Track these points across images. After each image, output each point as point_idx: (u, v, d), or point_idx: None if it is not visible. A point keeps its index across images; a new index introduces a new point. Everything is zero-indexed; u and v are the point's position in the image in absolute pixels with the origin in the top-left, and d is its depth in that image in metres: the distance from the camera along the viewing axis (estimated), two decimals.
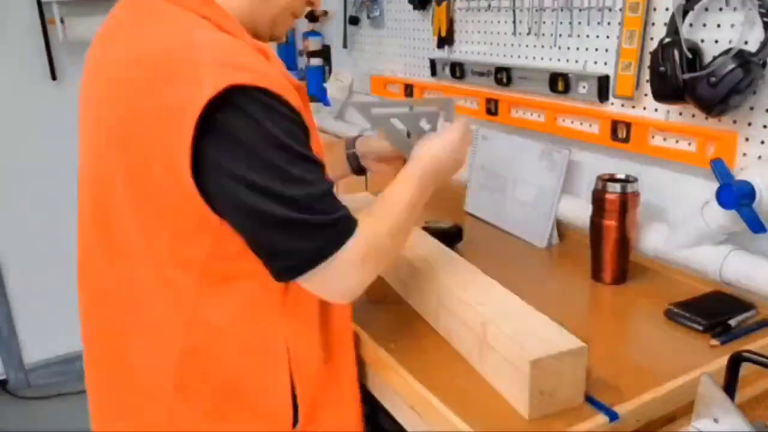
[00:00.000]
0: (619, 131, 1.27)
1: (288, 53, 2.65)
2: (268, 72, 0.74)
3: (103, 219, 0.83)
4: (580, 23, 1.35)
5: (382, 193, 0.89)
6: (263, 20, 0.88)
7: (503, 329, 0.83)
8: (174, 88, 0.71)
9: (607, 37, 1.30)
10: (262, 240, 0.76)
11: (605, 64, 1.32)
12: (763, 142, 1.07)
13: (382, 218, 0.85)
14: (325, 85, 2.34)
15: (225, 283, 0.80)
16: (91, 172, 0.85)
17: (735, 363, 0.74)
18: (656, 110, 1.22)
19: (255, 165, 0.71)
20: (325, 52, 2.42)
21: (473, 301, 0.90)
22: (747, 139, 1.09)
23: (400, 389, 0.91)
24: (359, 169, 1.18)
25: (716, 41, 1.10)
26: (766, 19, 0.99)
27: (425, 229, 1.26)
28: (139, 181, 0.77)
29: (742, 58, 0.99)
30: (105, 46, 0.84)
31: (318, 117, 2.48)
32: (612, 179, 1.16)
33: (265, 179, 0.72)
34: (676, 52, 1.06)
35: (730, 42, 1.07)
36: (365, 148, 1.16)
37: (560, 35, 1.41)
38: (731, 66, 0.99)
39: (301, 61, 2.56)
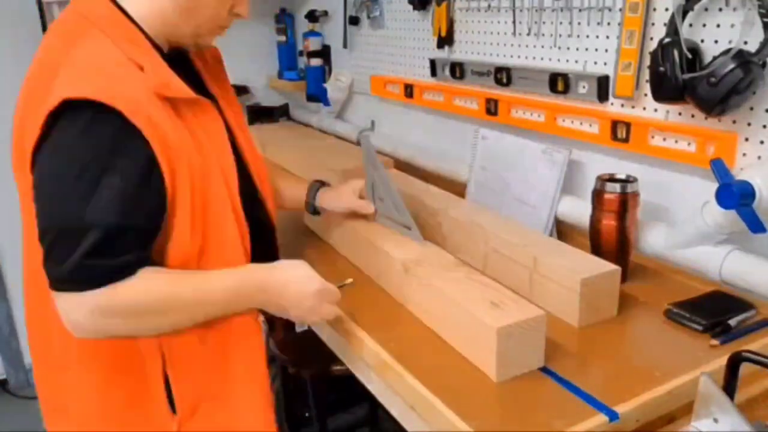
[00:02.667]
0: (619, 131, 1.27)
1: (288, 53, 2.65)
2: (121, 88, 0.79)
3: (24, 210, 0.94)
4: (580, 23, 1.35)
5: (202, 273, 0.90)
6: (185, 32, 0.93)
7: (552, 261, 1.04)
8: (37, 100, 0.81)
9: (607, 37, 1.30)
10: (42, 242, 0.80)
11: (605, 64, 1.32)
12: (762, 142, 1.07)
13: (171, 289, 0.86)
14: (325, 85, 2.35)
15: None
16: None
17: (735, 363, 0.74)
18: (656, 110, 1.22)
19: (54, 170, 0.79)
20: (325, 52, 2.42)
21: (519, 242, 1.12)
22: (747, 139, 1.09)
23: (400, 389, 0.91)
24: (314, 212, 1.30)
25: (716, 41, 1.10)
26: (765, 19, 0.99)
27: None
28: (21, 179, 0.88)
29: (741, 58, 0.99)
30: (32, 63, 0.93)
31: (318, 117, 2.49)
32: (612, 179, 1.16)
33: (51, 189, 0.79)
34: (675, 52, 1.06)
35: (729, 42, 1.07)
36: (326, 203, 1.27)
37: (560, 35, 1.41)
38: (731, 66, 0.99)
39: (301, 61, 2.56)
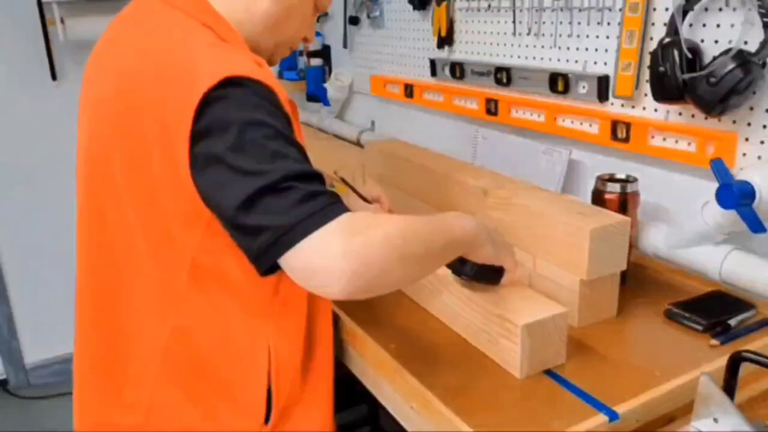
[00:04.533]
0: (619, 131, 1.27)
1: None
2: (262, 71, 0.75)
3: (99, 208, 0.86)
4: (580, 23, 1.35)
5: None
6: (266, 46, 0.91)
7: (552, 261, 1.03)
8: (173, 83, 0.74)
9: (607, 37, 1.30)
10: (240, 221, 0.71)
11: (605, 64, 1.32)
12: (762, 142, 1.07)
13: (394, 219, 0.75)
14: (325, 85, 2.35)
15: (215, 276, 0.81)
16: (89, 161, 0.88)
17: (735, 363, 0.74)
18: (656, 110, 1.22)
19: (234, 144, 0.70)
20: (325, 52, 2.42)
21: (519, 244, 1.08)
22: (747, 139, 1.09)
23: (400, 389, 0.91)
24: None
25: (716, 41, 1.10)
26: (766, 19, 0.99)
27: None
28: (137, 170, 0.79)
29: (741, 58, 0.99)
30: (110, 45, 0.87)
31: (318, 117, 2.49)
32: (612, 179, 1.16)
33: (240, 157, 0.70)
34: (675, 52, 1.06)
35: (730, 42, 1.07)
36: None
37: (560, 35, 1.41)
38: (731, 66, 0.99)
39: (301, 61, 2.56)
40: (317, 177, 0.72)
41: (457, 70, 1.70)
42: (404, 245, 0.73)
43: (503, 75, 1.54)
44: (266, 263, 0.71)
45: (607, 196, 1.14)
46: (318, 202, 0.69)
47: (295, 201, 0.68)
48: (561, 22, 1.39)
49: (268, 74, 0.75)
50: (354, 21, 2.17)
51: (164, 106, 0.73)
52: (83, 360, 0.94)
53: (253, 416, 0.86)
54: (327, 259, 0.68)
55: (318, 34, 2.40)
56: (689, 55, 1.06)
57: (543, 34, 1.45)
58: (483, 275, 0.91)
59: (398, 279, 0.74)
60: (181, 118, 0.71)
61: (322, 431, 0.95)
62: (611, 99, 1.32)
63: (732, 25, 1.07)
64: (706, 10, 1.10)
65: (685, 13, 1.10)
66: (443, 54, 1.79)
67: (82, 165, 0.90)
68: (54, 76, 2.34)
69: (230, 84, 0.71)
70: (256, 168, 0.69)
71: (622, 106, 1.30)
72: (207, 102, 0.70)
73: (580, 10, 1.34)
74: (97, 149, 0.86)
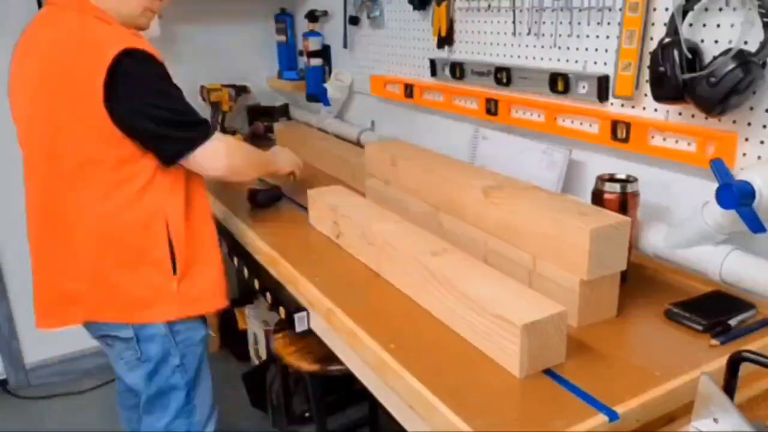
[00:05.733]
0: (619, 131, 1.27)
1: (288, 53, 2.65)
2: (149, 45, 1.19)
3: (37, 149, 1.28)
4: (580, 23, 1.35)
5: None
6: (134, 17, 1.30)
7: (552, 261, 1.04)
8: (86, 55, 1.15)
9: (607, 37, 1.30)
10: (160, 134, 1.19)
11: (605, 64, 1.32)
12: (763, 142, 1.07)
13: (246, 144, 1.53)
14: (325, 85, 2.34)
15: (128, 176, 1.22)
16: (28, 126, 1.27)
17: (735, 363, 0.74)
18: (656, 110, 1.22)
19: (150, 91, 1.18)
20: (325, 52, 2.42)
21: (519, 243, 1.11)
22: (747, 139, 1.09)
23: (400, 389, 0.91)
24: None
25: (716, 41, 1.10)
26: (766, 19, 0.99)
27: (250, 191, 1.73)
28: (67, 114, 1.18)
29: (742, 58, 0.99)
30: (29, 43, 1.26)
31: (318, 117, 2.49)
32: (612, 179, 1.16)
33: (158, 99, 1.19)
34: (676, 52, 1.06)
35: (730, 42, 1.07)
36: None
37: (560, 35, 1.41)
38: (731, 66, 0.99)
39: (301, 61, 2.56)
40: (195, 109, 1.26)
41: (457, 70, 1.70)
42: (250, 158, 1.43)
43: (503, 75, 1.54)
44: (174, 161, 1.24)
45: (607, 196, 1.14)
46: (204, 125, 1.27)
47: (193, 124, 1.25)
48: (561, 22, 1.39)
49: (144, 42, 1.18)
50: (354, 21, 2.17)
51: (83, 71, 1.14)
52: (38, 248, 1.35)
53: (165, 270, 1.27)
54: (219, 155, 1.28)
55: (318, 34, 2.40)
56: (689, 55, 1.06)
57: (543, 34, 1.45)
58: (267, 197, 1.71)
59: (244, 172, 1.41)
60: (97, 71, 1.12)
61: (216, 281, 1.36)
62: (611, 99, 1.32)
63: (732, 25, 1.07)
64: (706, 10, 1.10)
65: (685, 13, 1.10)
66: (443, 54, 1.79)
67: (25, 134, 1.30)
68: None
69: (129, 53, 1.14)
70: (169, 105, 1.21)
71: (622, 106, 1.30)
72: (117, 64, 1.12)
73: (580, 10, 1.34)
74: (36, 122, 1.24)
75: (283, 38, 2.64)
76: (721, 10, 1.08)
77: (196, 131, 1.24)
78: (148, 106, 1.17)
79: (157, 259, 1.26)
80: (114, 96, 1.14)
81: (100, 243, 1.25)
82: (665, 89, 1.09)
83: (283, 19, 2.61)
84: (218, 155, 1.27)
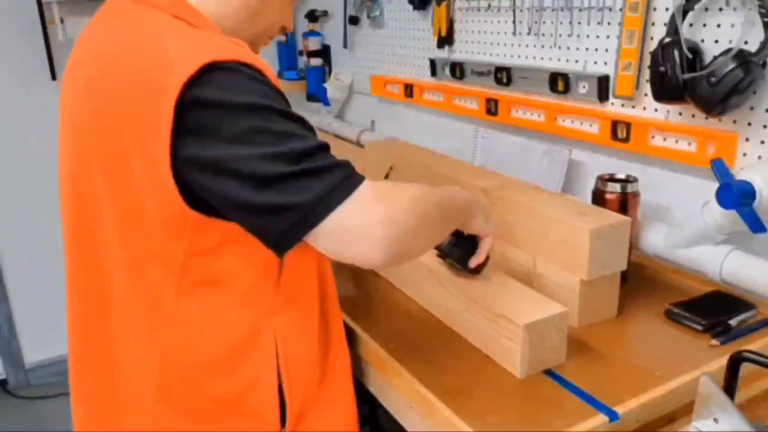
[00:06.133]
0: (619, 131, 1.27)
1: (288, 53, 2.65)
2: (244, 52, 0.71)
3: (83, 217, 0.83)
4: (580, 23, 1.35)
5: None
6: (245, 37, 0.85)
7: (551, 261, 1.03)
8: (145, 79, 0.70)
9: (607, 37, 1.30)
10: (258, 205, 0.68)
11: (605, 64, 1.32)
12: (763, 142, 1.07)
13: (412, 185, 0.76)
14: (325, 85, 2.35)
15: (207, 280, 0.77)
16: (70, 171, 0.86)
17: (735, 363, 0.74)
18: (656, 110, 1.22)
19: (236, 135, 0.67)
20: (325, 52, 2.42)
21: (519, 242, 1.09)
22: (747, 139, 1.09)
23: (400, 389, 0.91)
24: None
25: (716, 41, 1.10)
26: (766, 19, 0.99)
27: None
28: (116, 174, 0.75)
29: (742, 58, 0.99)
30: (81, 51, 0.84)
31: (318, 117, 2.49)
32: (612, 179, 1.16)
33: (249, 145, 0.67)
34: (676, 52, 1.06)
35: (730, 42, 1.07)
36: None
37: (560, 35, 1.41)
38: (731, 66, 0.99)
39: (301, 61, 2.56)
40: (325, 148, 0.71)
41: (457, 70, 1.70)
42: (425, 209, 0.75)
43: (503, 75, 1.54)
44: (291, 242, 0.70)
45: (607, 196, 1.14)
46: (336, 174, 0.69)
47: (312, 177, 0.67)
48: (561, 22, 1.39)
49: (250, 54, 0.71)
50: (354, 21, 2.17)
51: (138, 107, 0.69)
52: (79, 392, 0.90)
53: (266, 421, 0.81)
54: (365, 227, 0.68)
55: (318, 34, 2.40)
56: (689, 55, 1.06)
57: (543, 34, 1.45)
58: (460, 249, 0.96)
59: (425, 242, 0.77)
60: (159, 115, 0.66)
61: (346, 431, 0.91)
62: (611, 99, 1.32)
63: (732, 25, 1.07)
64: (707, 9, 1.10)
65: (685, 13, 1.10)
66: (443, 54, 1.79)
67: (65, 182, 0.87)
68: (54, 76, 2.34)
69: (214, 70, 0.67)
70: (266, 152, 0.67)
71: (623, 106, 1.30)
72: (188, 94, 0.66)
73: (580, 10, 1.34)
74: (78, 167, 0.83)
75: (283, 38, 2.63)
76: (721, 10, 1.08)
77: (328, 182, 0.69)
78: (231, 160, 0.68)
79: (256, 409, 0.81)
80: (189, 150, 0.69)
81: (161, 388, 0.80)
82: (665, 89, 1.09)
83: None
84: (370, 210, 0.69)
